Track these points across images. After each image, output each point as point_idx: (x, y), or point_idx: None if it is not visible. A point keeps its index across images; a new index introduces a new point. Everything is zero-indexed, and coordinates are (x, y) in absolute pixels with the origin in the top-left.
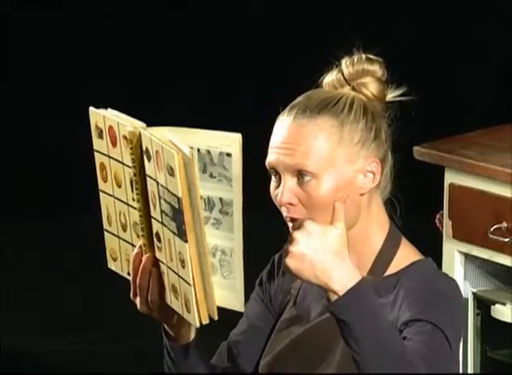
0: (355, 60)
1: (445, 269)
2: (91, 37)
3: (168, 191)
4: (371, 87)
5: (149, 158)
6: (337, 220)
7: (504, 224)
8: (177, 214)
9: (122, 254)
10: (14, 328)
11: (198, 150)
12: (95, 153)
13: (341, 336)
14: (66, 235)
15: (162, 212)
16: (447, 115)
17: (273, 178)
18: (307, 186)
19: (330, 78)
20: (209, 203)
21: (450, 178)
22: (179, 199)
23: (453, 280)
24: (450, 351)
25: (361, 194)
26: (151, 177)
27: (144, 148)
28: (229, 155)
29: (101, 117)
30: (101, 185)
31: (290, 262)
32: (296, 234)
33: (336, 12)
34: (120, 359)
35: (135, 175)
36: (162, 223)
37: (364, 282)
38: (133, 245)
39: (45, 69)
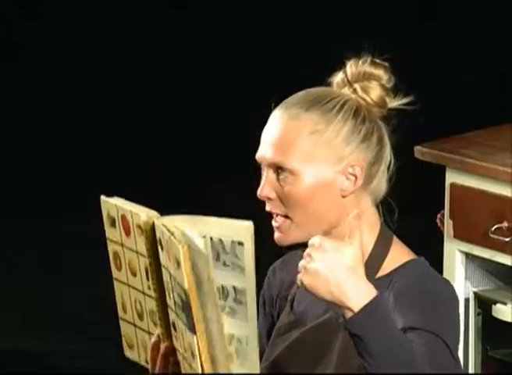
0: (360, 62)
1: (446, 268)
2: (91, 37)
3: (177, 282)
4: (372, 93)
5: (162, 248)
6: (352, 237)
7: (505, 224)
8: (186, 306)
9: (139, 342)
10: (14, 328)
11: (211, 238)
12: (108, 242)
13: (356, 351)
14: (66, 235)
15: (175, 302)
16: (447, 115)
17: (263, 172)
18: (285, 182)
19: (336, 78)
20: (223, 292)
21: (451, 178)
22: (185, 291)
23: (446, 281)
24: (452, 360)
25: (343, 196)
26: (164, 267)
27: (157, 238)
28: (240, 244)
29: (114, 206)
30: (115, 273)
31: (305, 278)
32: (312, 252)
33: (336, 13)
34: (120, 359)
35: (150, 264)
36: (176, 312)
37: (379, 297)
38: (150, 333)
39: (45, 68)
